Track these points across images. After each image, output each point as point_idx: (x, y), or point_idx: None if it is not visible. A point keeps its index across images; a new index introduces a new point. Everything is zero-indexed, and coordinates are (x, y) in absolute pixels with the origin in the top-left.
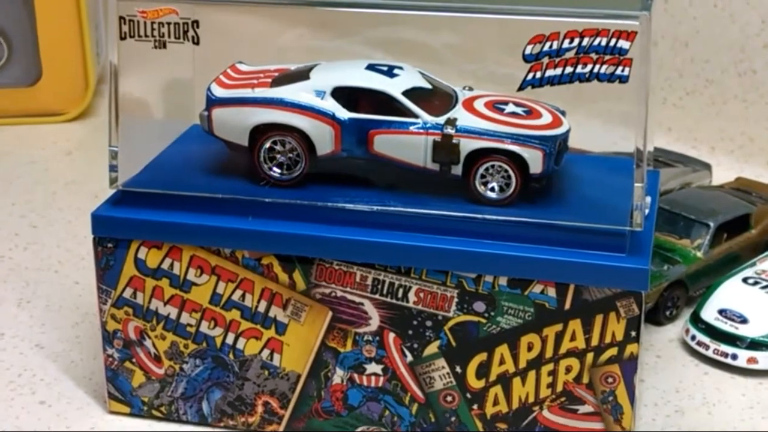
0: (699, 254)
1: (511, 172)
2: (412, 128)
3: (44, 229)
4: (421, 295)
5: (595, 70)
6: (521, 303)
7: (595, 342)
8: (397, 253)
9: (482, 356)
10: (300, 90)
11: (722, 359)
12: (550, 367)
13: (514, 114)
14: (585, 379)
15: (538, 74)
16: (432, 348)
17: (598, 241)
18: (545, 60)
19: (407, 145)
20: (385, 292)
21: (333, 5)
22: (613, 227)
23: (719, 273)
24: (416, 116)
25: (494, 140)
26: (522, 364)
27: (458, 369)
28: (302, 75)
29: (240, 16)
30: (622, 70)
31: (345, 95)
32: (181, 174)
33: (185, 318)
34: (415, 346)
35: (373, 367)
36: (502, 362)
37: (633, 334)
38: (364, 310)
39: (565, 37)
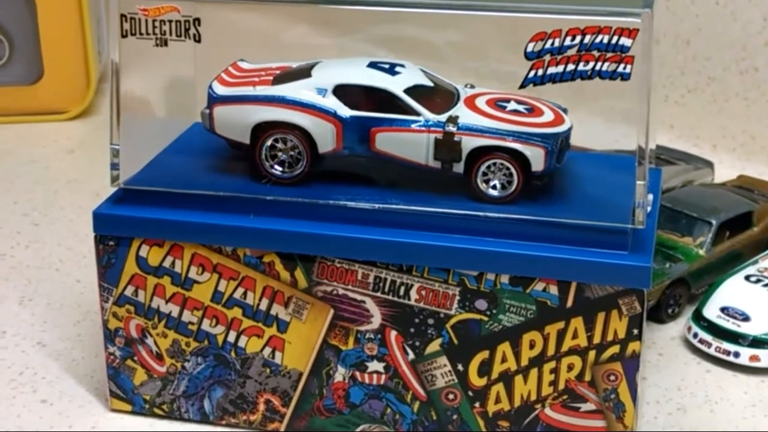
0: (701, 252)
1: (512, 170)
2: (413, 126)
3: (46, 228)
4: (423, 292)
5: (597, 67)
6: (523, 301)
7: (597, 340)
8: (398, 251)
9: (484, 354)
10: (302, 88)
11: (724, 357)
12: (552, 364)
13: (515, 112)
14: (587, 377)
15: (540, 72)
16: (434, 346)
17: (600, 238)
18: (547, 57)
19: (409, 142)
20: (386, 289)
21: (334, 3)
22: (615, 225)
23: (721, 271)
24: (418, 114)
25: (496, 138)
26: (524, 362)
27: (460, 367)
28: (304, 73)
29: (241, 13)
30: (624, 68)
31: (347, 93)
32: (182, 172)
33: (187, 316)
34: (417, 344)
35: (375, 365)
36: (504, 360)
37: (635, 331)
38: (365, 308)
39: (567, 35)
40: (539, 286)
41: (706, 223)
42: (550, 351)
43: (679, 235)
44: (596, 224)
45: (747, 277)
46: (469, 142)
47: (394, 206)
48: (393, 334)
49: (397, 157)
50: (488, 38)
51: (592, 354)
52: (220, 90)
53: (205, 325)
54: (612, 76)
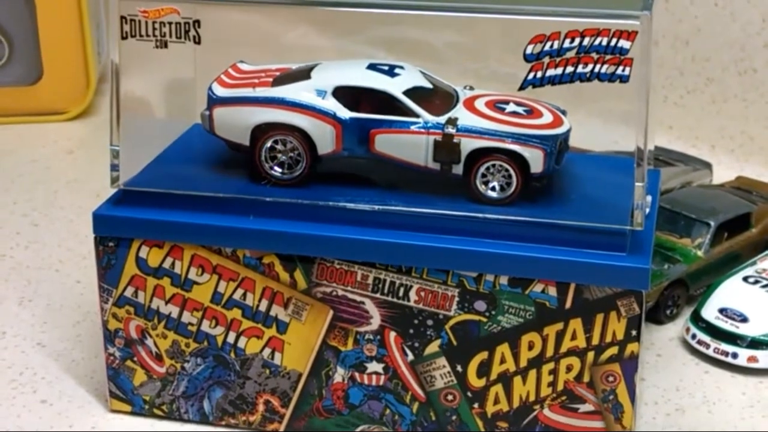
0: (699, 253)
1: (511, 172)
2: (413, 128)
3: (46, 228)
4: (422, 294)
5: (596, 69)
6: (522, 302)
7: (595, 341)
8: (398, 252)
9: (483, 355)
10: (301, 89)
11: (723, 358)
12: (551, 366)
13: (515, 113)
14: (586, 378)
15: (539, 74)
16: (433, 347)
17: (599, 240)
18: (546, 60)
19: (408, 144)
20: (386, 291)
21: (334, 5)
22: (614, 226)
23: (720, 272)
24: (417, 116)
25: (495, 140)
26: (523, 363)
27: (459, 368)
28: (303, 74)
29: (241, 15)
30: (623, 70)
31: (346, 95)
32: (182, 173)
33: (186, 317)
34: (416, 345)
35: (374, 366)
36: (502, 361)
37: (633, 333)
38: (365, 309)
39: (566, 37)
40: (538, 288)
41: (705, 224)
42: (549, 352)
43: (677, 236)
44: (595, 226)
45: (745, 279)
46: (468, 144)
47: (393, 208)
48: (392, 335)
49: (396, 158)
50: (487, 40)
51: (590, 355)
52: (220, 91)
53: (205, 326)
54: (611, 78)
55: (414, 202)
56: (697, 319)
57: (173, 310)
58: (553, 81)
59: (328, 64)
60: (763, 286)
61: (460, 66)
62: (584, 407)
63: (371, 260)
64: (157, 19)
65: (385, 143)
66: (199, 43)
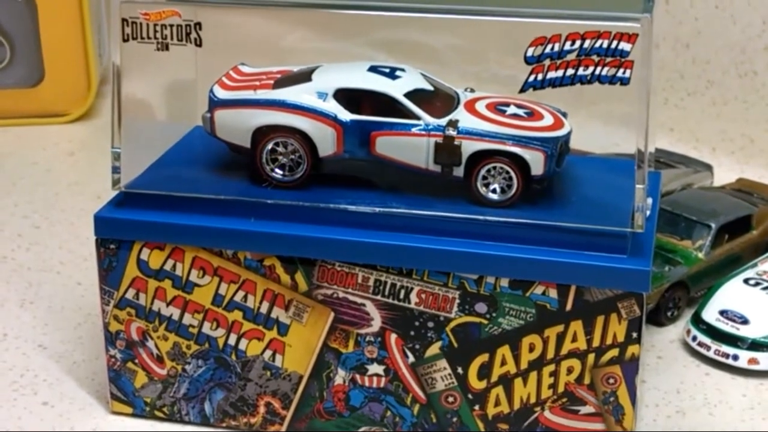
0: (700, 255)
1: (512, 174)
2: (413, 130)
3: (47, 230)
4: (423, 296)
5: (597, 72)
6: (523, 304)
7: (596, 343)
8: (398, 255)
9: (484, 357)
10: (302, 92)
11: (723, 360)
12: (552, 368)
13: (515, 116)
14: (586, 380)
15: (540, 76)
16: (433, 349)
17: (600, 242)
18: (547, 62)
19: (409, 146)
20: (386, 293)
21: (335, 7)
22: (615, 229)
23: (720, 274)
24: (418, 118)
25: (496, 142)
26: (523, 365)
27: (460, 370)
28: (304, 77)
29: (242, 18)
30: (624, 73)
31: (347, 97)
32: (183, 175)
33: (187, 319)
34: (417, 347)
35: (375, 368)
36: (503, 363)
37: (634, 335)
38: (365, 311)
39: (566, 40)
40: (539, 290)
41: (706, 226)
42: (550, 354)
43: (678, 238)
44: (595, 228)
45: (746, 281)
46: (469, 146)
47: (394, 210)
48: (393, 337)
49: (397, 160)
50: (488, 42)
51: (591, 357)
52: (221, 94)
53: (206, 328)
54: (611, 80)
55: (415, 205)
56: (697, 321)
57: (174, 312)
58: (554, 83)
59: (329, 67)
60: (764, 288)
61: (460, 68)
62: (585, 409)
63: (372, 262)
64: (158, 22)
65: (386, 145)
66: (200, 45)
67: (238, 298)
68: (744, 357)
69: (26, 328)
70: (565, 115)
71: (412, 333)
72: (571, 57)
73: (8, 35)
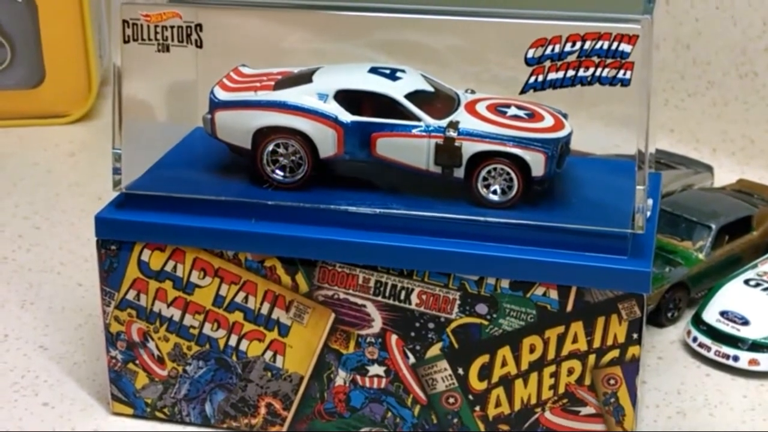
0: (701, 256)
1: (513, 175)
2: (414, 131)
3: (47, 231)
4: (424, 297)
5: (597, 73)
6: (523, 305)
7: (597, 344)
8: (399, 256)
9: (484, 358)
10: (303, 93)
11: (724, 361)
12: (552, 368)
13: (516, 117)
14: (587, 381)
15: (540, 77)
16: (434, 350)
17: (600, 243)
18: (547, 63)
19: (410, 148)
20: (387, 294)
21: (335, 9)
22: (615, 230)
23: (721, 275)
24: (418, 119)
25: (496, 143)
26: (524, 366)
27: (460, 371)
28: (305, 78)
29: (243, 19)
30: (624, 74)
31: (348, 98)
32: (184, 177)
33: (188, 320)
34: (418, 348)
35: (376, 369)
36: (504, 364)
37: (635, 336)
38: (366, 312)
39: (567, 41)
40: (539, 291)
41: (706, 227)
42: (550, 355)
43: (678, 239)
44: (596, 229)
45: (746, 281)
46: (469, 147)
47: (394, 211)
48: (394, 338)
49: (397, 162)
50: (489, 44)
51: (591, 358)
52: (222, 95)
53: (207, 329)
54: (612, 82)
55: (415, 206)
56: (698, 322)
57: (175, 314)
58: (555, 84)
59: (329, 68)
60: (764, 289)
61: (461, 69)
62: (585, 410)
63: (373, 263)
64: (159, 23)
65: (387, 147)
66: (200, 46)
67: (239, 299)
68: (744, 358)
69: (27, 329)
70: (565, 116)
71: (413, 334)
72: (572, 58)
73: (9, 36)
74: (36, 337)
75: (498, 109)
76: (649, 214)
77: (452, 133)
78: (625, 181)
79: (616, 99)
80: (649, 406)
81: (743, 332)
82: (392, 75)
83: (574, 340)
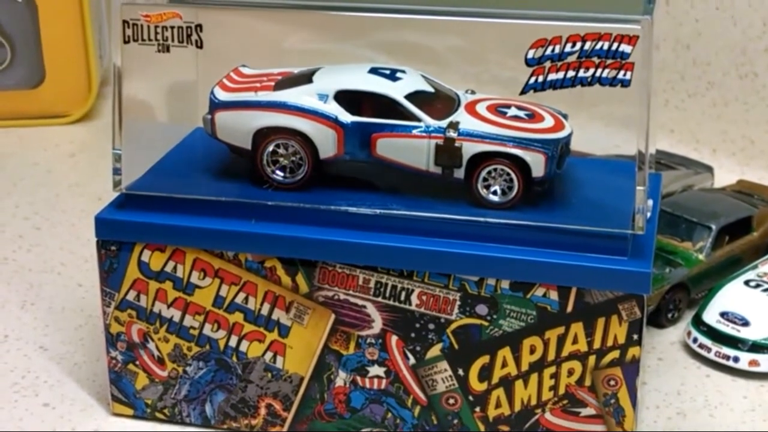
0: (701, 257)
1: (513, 176)
2: (414, 132)
3: (48, 231)
4: (424, 297)
5: (597, 74)
6: (523, 306)
7: (597, 345)
8: (399, 256)
9: (484, 359)
10: (303, 93)
11: (724, 362)
12: (553, 369)
13: (516, 117)
14: (587, 382)
15: (541, 78)
16: (434, 351)
17: (600, 244)
18: (547, 64)
19: (410, 148)
20: (387, 295)
21: (336, 9)
22: (615, 230)
23: (721, 276)
24: (419, 120)
25: (496, 144)
26: (524, 367)
27: (460, 372)
28: (305, 78)
29: (243, 19)
30: (624, 75)
31: (348, 98)
32: (184, 177)
33: (188, 321)
34: (418, 348)
35: (376, 370)
36: (504, 365)
37: (635, 336)
38: (366, 313)
39: (567, 42)
40: (539, 292)
41: (706, 227)
42: (551, 356)
43: (678, 239)
44: (596, 230)
45: (746, 282)
46: (469, 148)
47: (395, 212)
48: (394, 338)
49: (397, 162)
50: (489, 44)
51: (592, 359)
52: (222, 95)
53: (207, 330)
54: (612, 82)
55: (415, 206)
56: (698, 322)
57: (175, 314)
58: (555, 85)
59: (329, 68)
60: (765, 290)
61: (461, 70)
62: (586, 411)
63: (373, 264)
64: (159, 24)
65: (387, 147)
66: (201, 47)
67: (239, 299)
68: (744, 359)
69: (27, 329)
70: (565, 116)
71: (413, 335)
72: (572, 59)
73: (9, 36)
74: (36, 337)
75: (498, 109)
76: (649, 214)
77: (452, 134)
78: (625, 181)
79: (617, 99)
80: (650, 407)
81: (743, 333)
82: (392, 75)
83: (575, 341)
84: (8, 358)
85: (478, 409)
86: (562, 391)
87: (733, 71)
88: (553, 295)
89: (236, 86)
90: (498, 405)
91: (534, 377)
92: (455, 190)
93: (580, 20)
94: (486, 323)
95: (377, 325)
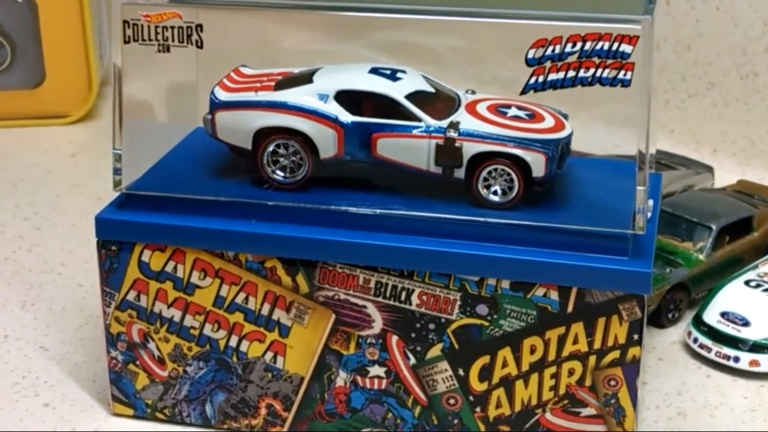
0: (701, 257)
1: (513, 176)
2: (415, 132)
3: (48, 232)
4: (424, 297)
5: (598, 74)
6: (524, 306)
7: (597, 345)
8: (400, 256)
9: (485, 359)
10: (303, 93)
11: (724, 362)
12: (553, 369)
13: (516, 117)
14: (587, 382)
15: (541, 78)
16: (435, 351)
17: (601, 244)
18: (548, 64)
19: (410, 148)
20: (388, 294)
21: (336, 9)
22: (616, 230)
23: (721, 276)
24: (419, 120)
25: (497, 144)
26: (525, 367)
27: (461, 372)
28: (305, 78)
29: (243, 19)
30: (625, 75)
31: (348, 98)
32: (184, 177)
33: (189, 321)
34: (418, 348)
35: (376, 370)
36: (504, 365)
37: (635, 337)
38: (367, 313)
39: (567, 42)
40: (540, 292)
41: (707, 228)
42: (551, 356)
43: (679, 240)
44: (597, 230)
45: (747, 282)
46: (470, 148)
47: (395, 212)
48: (394, 338)
49: (398, 162)
50: (489, 44)
51: (592, 359)
52: (222, 95)
53: (207, 330)
54: (612, 82)
55: (416, 206)
56: (698, 322)
57: (175, 314)
58: (555, 85)
59: (330, 68)
60: (765, 290)
61: (461, 70)
62: (586, 411)
63: (373, 264)
64: (159, 24)
65: (387, 147)
66: (201, 47)
67: (240, 299)
68: (745, 359)
69: (27, 329)
70: (566, 116)
71: (413, 335)
72: (572, 59)
73: (9, 37)
74: (37, 337)
75: (498, 109)
76: (649, 214)
77: (453, 134)
78: (625, 181)
79: (617, 100)
80: (650, 407)
81: (744, 333)
82: (393, 75)
83: (575, 341)
84: (8, 359)
85: (478, 409)
86: (562, 391)
87: (733, 72)
88: (554, 295)
89: (236, 86)
90: (498, 405)
91: (534, 377)
92: (455, 190)
93: (580, 20)
94: (486, 323)
95: (377, 325)
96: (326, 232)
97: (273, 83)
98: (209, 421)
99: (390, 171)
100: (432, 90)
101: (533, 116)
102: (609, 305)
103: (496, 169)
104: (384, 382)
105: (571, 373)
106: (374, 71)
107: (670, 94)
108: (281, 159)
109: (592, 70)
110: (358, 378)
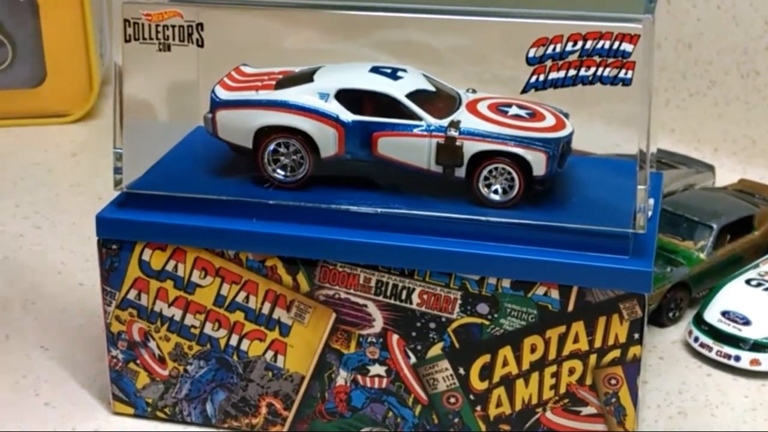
0: (702, 256)
1: (514, 175)
2: (415, 131)
3: (48, 231)
4: (425, 296)
5: (599, 73)
6: (524, 305)
7: (598, 344)
8: (400, 255)
9: (485, 358)
10: (304, 92)
11: (725, 361)
12: (553, 368)
13: (517, 116)
14: (588, 381)
15: (542, 77)
16: (435, 350)
17: (601, 243)
18: (549, 63)
19: (411, 147)
20: (388, 293)
21: (337, 8)
22: (617, 229)
23: (722, 275)
24: (420, 119)
25: (498, 143)
26: (525, 366)
27: (461, 371)
28: (306, 77)
29: (244, 18)
30: (626, 73)
31: (349, 97)
32: (185, 176)
33: (189, 319)
34: (419, 347)
35: (377, 369)
36: (505, 364)
37: (636, 336)
38: (367, 312)
39: (568, 40)
40: (540, 291)
41: (707, 227)
42: (552, 355)
43: (680, 238)
44: (597, 229)
45: (748, 281)
46: (470, 147)
47: (395, 210)
48: (395, 337)
49: (398, 161)
50: (490, 43)
51: (593, 358)
52: (223, 94)
53: (208, 329)
54: (613, 81)
55: (416, 205)
56: (699, 322)
57: (176, 313)
58: (556, 84)
59: (330, 67)
60: (766, 289)
61: (462, 69)
62: (587, 410)
63: (374, 263)
64: (160, 23)
65: (388, 146)
66: (202, 46)
67: (240, 298)
68: (746, 358)
69: (28, 328)
70: (566, 115)
71: (414, 334)
72: (573, 58)
73: (10, 36)
74: (37, 336)
75: (499, 108)
76: (650, 213)
77: (453, 133)
78: (626, 180)
79: (618, 98)
80: (651, 406)
81: (745, 332)
82: (393, 74)
83: (575, 340)
84: (9, 358)
85: (479, 408)
86: (563, 390)
87: (734, 70)
88: (554, 294)
89: (237, 85)
90: (499, 404)
91: (535, 376)
92: (456, 189)
93: (581, 19)
94: (487, 322)
95: (378, 324)
96: (327, 231)
97: (274, 82)
98: (210, 420)
99: (390, 170)
100: (433, 89)
101: (534, 115)
102: (610, 304)
103: (496, 168)
104: (384, 381)
105: (571, 372)
106: (375, 70)
107: (671, 93)
108: (282, 158)
109: (592, 69)
110: (359, 377)
